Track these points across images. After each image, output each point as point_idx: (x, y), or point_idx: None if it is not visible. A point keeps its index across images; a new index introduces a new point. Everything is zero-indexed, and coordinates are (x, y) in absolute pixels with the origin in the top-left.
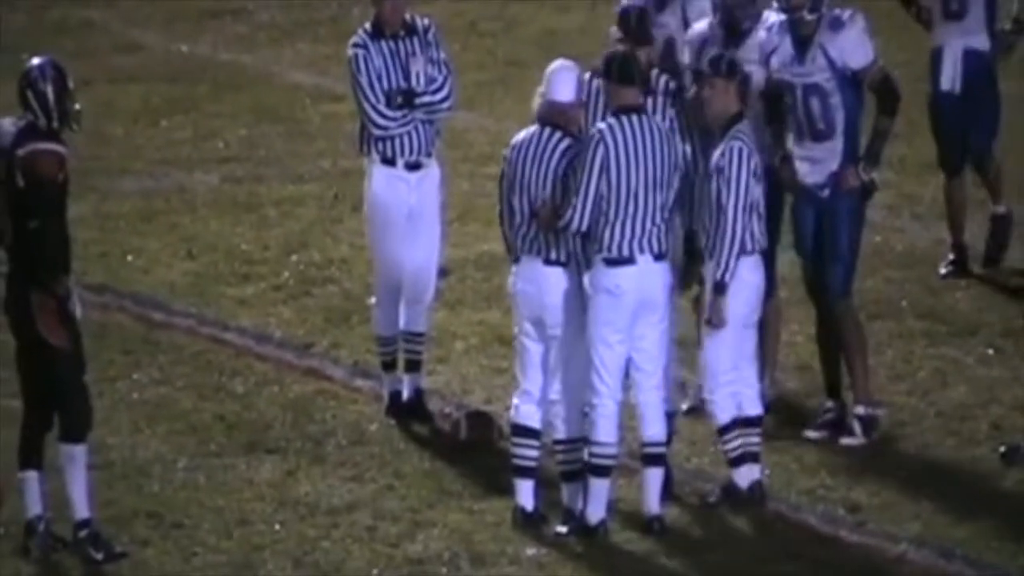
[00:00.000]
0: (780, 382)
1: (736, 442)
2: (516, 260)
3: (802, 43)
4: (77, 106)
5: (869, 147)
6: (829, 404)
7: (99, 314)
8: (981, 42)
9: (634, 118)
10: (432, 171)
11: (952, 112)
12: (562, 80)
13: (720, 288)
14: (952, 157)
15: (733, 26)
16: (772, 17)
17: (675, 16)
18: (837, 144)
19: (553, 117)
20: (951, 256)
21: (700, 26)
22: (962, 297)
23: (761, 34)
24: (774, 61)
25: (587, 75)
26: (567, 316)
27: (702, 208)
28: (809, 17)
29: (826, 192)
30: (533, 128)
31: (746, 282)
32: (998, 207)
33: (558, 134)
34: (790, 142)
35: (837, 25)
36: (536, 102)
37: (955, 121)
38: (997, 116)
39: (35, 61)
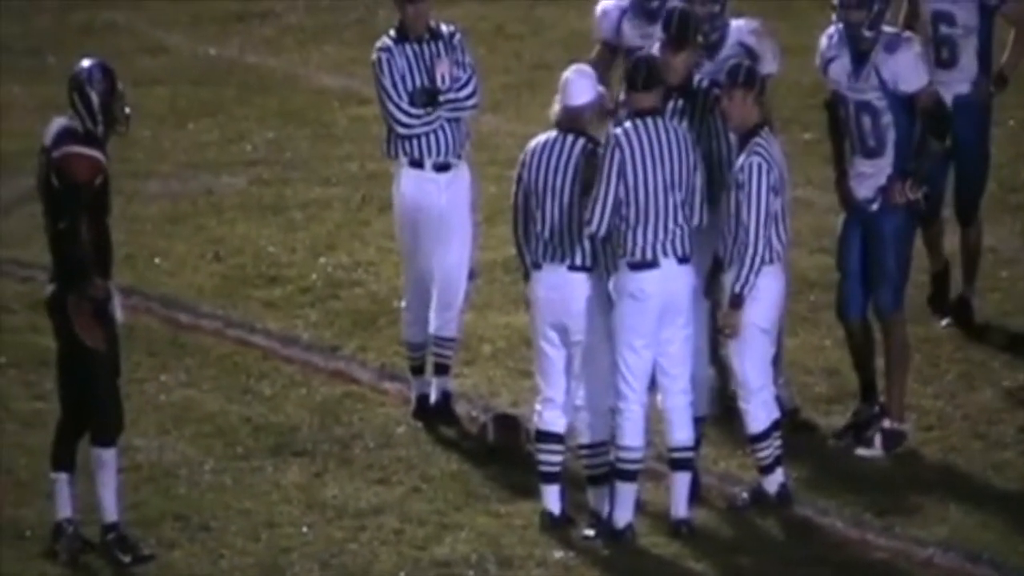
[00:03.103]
0: (810, 386)
1: (768, 451)
2: (536, 267)
3: (859, 58)
4: (127, 109)
5: (917, 167)
6: (860, 408)
7: (126, 316)
8: (971, 89)
9: (649, 121)
10: (462, 172)
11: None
12: (576, 84)
13: (737, 301)
14: (930, 205)
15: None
16: (833, 26)
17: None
18: (887, 161)
19: (571, 122)
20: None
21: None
22: (989, 300)
23: (823, 40)
24: (833, 71)
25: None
26: (591, 321)
27: (724, 218)
28: (868, 34)
29: (874, 206)
30: (550, 134)
31: (765, 290)
32: (968, 291)
33: (579, 139)
34: (847, 157)
35: (892, 47)
36: (554, 109)
37: (938, 170)
38: (986, 169)
39: (84, 63)
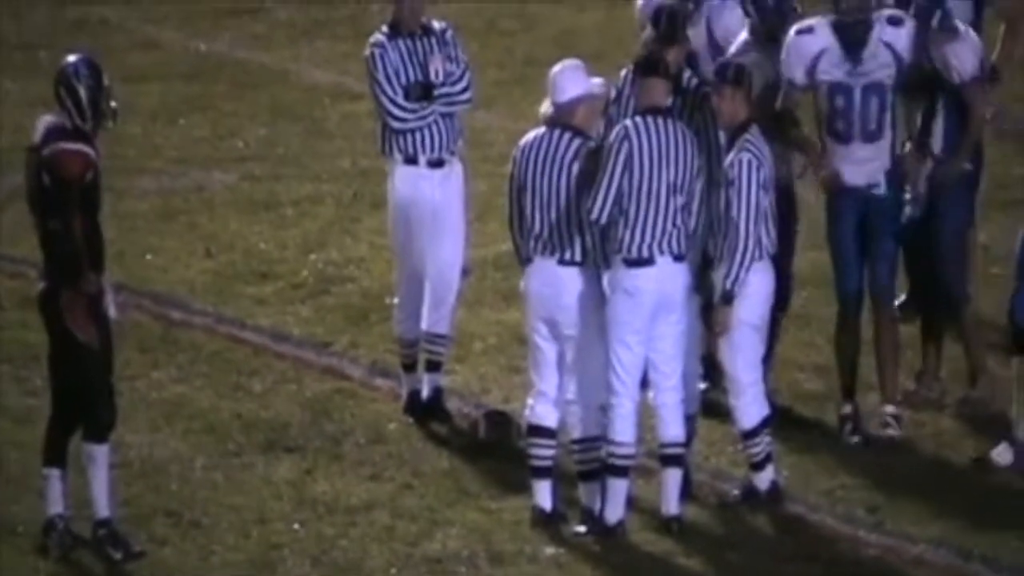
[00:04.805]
0: (801, 382)
1: (759, 447)
2: (527, 261)
3: (854, 44)
4: (113, 104)
5: (922, 139)
6: (847, 408)
7: (119, 313)
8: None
9: (659, 120)
10: (455, 169)
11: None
12: (561, 80)
13: (727, 297)
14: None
15: (771, 32)
16: (811, 20)
17: (700, 30)
18: (885, 142)
19: (560, 118)
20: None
21: (740, 37)
22: (981, 295)
23: (800, 42)
24: (824, 66)
25: (623, 72)
26: (583, 316)
27: (714, 214)
28: (863, 17)
29: (878, 190)
30: (541, 130)
31: (755, 286)
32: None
33: (568, 135)
34: (830, 146)
35: (895, 21)
36: (543, 106)
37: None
38: (980, 165)
39: (70, 59)
